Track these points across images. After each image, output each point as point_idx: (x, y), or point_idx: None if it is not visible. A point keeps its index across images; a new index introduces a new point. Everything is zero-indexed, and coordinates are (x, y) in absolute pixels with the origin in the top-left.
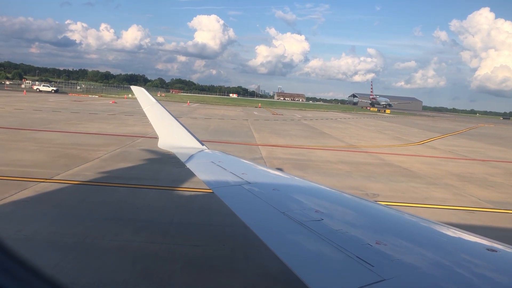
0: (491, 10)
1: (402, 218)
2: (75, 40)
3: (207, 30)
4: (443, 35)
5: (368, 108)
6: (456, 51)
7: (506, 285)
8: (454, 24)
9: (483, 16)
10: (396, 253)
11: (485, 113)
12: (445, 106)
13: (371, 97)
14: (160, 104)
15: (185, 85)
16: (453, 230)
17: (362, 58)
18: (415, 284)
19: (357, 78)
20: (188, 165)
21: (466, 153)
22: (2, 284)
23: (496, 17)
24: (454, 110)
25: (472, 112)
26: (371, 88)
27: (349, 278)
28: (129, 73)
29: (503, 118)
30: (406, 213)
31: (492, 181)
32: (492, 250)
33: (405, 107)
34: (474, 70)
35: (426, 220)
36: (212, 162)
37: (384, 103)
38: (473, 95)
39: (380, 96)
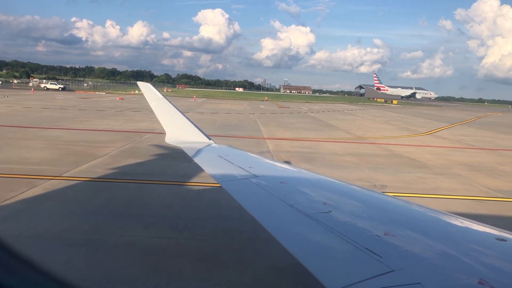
0: None
1: (410, 209)
2: (81, 37)
3: (212, 24)
4: (448, 24)
5: (375, 99)
6: (462, 40)
7: None
8: (459, 13)
9: (488, 4)
10: (405, 244)
11: (493, 101)
12: (452, 96)
13: (375, 87)
14: (167, 99)
15: (191, 80)
16: (462, 220)
17: (368, 49)
18: (424, 275)
19: (363, 69)
20: (196, 159)
21: (474, 143)
22: (10, 285)
23: (502, 4)
24: (461, 99)
25: (480, 101)
26: (375, 79)
27: (358, 270)
28: (135, 69)
29: None
30: (414, 204)
31: (501, 170)
32: (502, 239)
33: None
34: (481, 58)
35: (434, 211)
36: (219, 156)
37: (424, 94)
38: (481, 84)
39: (403, 87)
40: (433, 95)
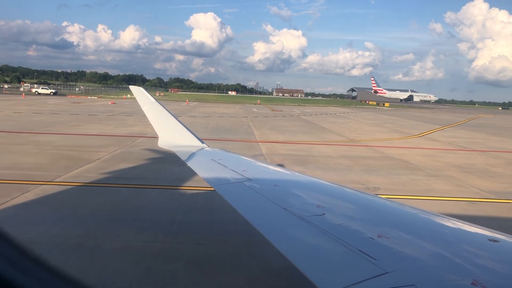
0: (484, 1)
1: (403, 211)
2: (73, 42)
3: (204, 28)
4: (438, 27)
5: (368, 102)
6: (452, 42)
7: (509, 275)
8: (449, 16)
9: (477, 7)
10: (398, 246)
11: (484, 103)
12: (444, 98)
13: (373, 90)
14: (159, 103)
15: (183, 84)
16: (455, 222)
17: (360, 52)
18: (418, 276)
19: (355, 72)
20: (189, 163)
21: (466, 144)
22: (17, 281)
23: (490, 7)
24: (453, 102)
25: (471, 103)
26: (373, 82)
27: (352, 272)
28: (128, 73)
29: (502, 108)
30: (407, 206)
31: (493, 172)
32: (494, 240)
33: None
34: (472, 61)
35: (427, 212)
36: (212, 160)
37: (423, 97)
38: (472, 86)
39: (401, 90)
40: (432, 97)
